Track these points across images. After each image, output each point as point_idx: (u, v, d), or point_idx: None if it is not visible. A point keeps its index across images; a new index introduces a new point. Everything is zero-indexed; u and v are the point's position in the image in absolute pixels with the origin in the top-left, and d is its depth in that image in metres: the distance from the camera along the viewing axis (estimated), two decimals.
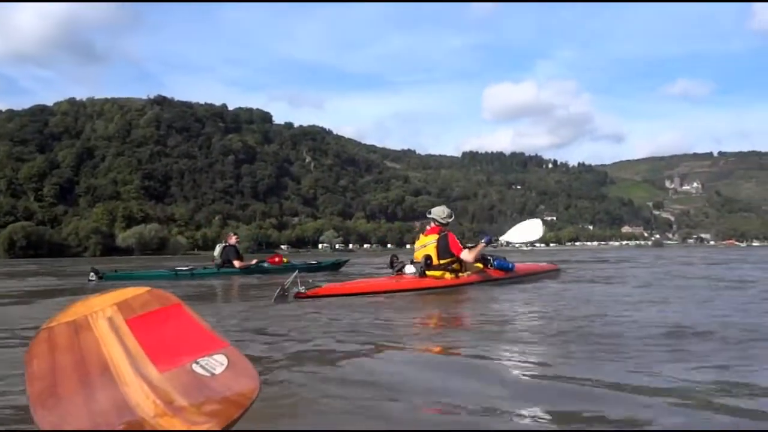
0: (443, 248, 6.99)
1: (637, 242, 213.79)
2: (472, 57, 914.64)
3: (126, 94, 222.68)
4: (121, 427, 1.01)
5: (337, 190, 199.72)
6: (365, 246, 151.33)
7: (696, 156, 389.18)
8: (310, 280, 6.41)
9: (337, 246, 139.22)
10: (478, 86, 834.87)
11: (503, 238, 8.53)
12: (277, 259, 12.73)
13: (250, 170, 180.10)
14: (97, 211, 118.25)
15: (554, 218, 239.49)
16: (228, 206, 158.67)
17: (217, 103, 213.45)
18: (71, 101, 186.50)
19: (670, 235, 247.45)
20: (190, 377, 1.13)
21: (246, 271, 11.77)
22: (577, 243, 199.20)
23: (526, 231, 8.51)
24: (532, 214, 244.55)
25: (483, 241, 7.30)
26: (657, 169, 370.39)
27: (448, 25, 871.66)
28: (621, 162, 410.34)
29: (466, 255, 6.99)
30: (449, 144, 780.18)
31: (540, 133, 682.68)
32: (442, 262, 6.96)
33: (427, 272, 6.91)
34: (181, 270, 11.44)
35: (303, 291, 5.90)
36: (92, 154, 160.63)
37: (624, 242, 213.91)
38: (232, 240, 12.31)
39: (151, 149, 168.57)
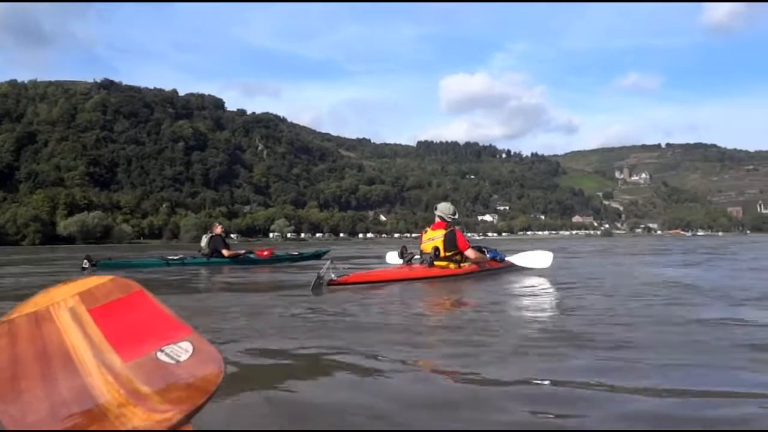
0: (450, 242, 7.80)
1: (587, 232, 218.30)
2: (428, 48, 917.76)
3: (75, 78, 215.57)
4: (83, 418, 0.99)
5: (290, 178, 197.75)
6: (317, 235, 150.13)
7: (645, 147, 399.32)
8: (340, 269, 7.16)
9: (288, 235, 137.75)
10: (434, 77, 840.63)
11: (509, 259, 9.00)
12: (266, 253, 12.99)
13: (201, 157, 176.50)
14: (37, 197, 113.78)
15: (507, 208, 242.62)
16: (177, 194, 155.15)
17: (168, 88, 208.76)
18: (12, 83, 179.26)
19: (619, 225, 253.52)
20: (155, 365, 1.13)
21: (234, 260, 12.10)
22: (529, 232, 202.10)
23: (537, 259, 8.94)
24: (485, 204, 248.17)
25: (489, 255, 8.44)
26: (607, 160, 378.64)
27: (404, 16, 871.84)
28: (573, 153, 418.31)
29: (470, 252, 7.93)
30: (406, 134, 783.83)
31: (494, 123, 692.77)
32: (447, 254, 7.78)
33: (435, 262, 7.75)
34: (172, 259, 11.78)
35: (335, 279, 6.56)
36: (34, 139, 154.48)
37: (574, 232, 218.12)
38: (219, 230, 12.60)
39: (97, 134, 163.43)
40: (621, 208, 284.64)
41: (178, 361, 1.11)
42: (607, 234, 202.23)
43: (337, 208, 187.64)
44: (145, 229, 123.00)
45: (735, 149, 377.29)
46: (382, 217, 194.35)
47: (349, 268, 8.75)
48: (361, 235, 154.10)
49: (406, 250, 8.46)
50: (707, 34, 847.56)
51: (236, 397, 2.07)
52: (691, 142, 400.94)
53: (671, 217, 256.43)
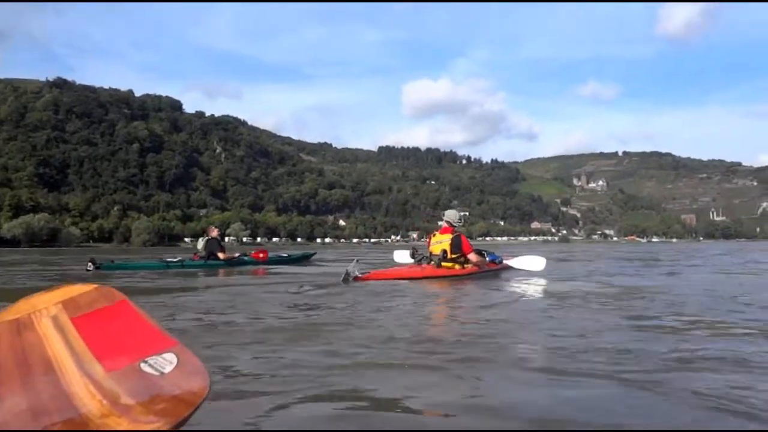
0: (456, 246, 8.78)
1: (545, 238, 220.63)
2: (392, 53, 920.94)
3: (27, 76, 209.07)
4: (64, 427, 0.98)
5: (249, 182, 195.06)
6: (274, 240, 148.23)
7: (602, 155, 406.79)
8: (363, 267, 8.39)
9: (244, 239, 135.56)
10: (397, 82, 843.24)
11: (507, 262, 10.03)
12: (261, 255, 13.57)
13: (156, 159, 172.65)
14: None
15: (467, 213, 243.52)
16: (131, 196, 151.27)
17: (124, 88, 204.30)
18: None
19: (576, 231, 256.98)
20: (139, 376, 1.11)
21: (229, 263, 12.67)
22: (488, 238, 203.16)
23: (531, 263, 9.99)
24: (445, 209, 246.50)
25: (489, 258, 9.54)
26: (566, 167, 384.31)
27: (367, 20, 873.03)
28: (532, 160, 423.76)
29: (473, 256, 8.92)
30: (368, 138, 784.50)
31: (456, 130, 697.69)
32: (453, 256, 8.77)
33: (442, 263, 8.73)
34: (172, 261, 12.22)
35: (360, 275, 7.71)
36: None
37: (532, 237, 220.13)
38: (214, 233, 13.09)
39: (48, 134, 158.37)
40: (578, 215, 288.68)
41: (162, 373, 1.10)
42: (564, 240, 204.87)
43: (296, 212, 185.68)
44: (94, 232, 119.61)
45: (689, 158, 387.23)
46: (342, 222, 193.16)
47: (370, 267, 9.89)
48: (319, 240, 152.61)
49: (417, 252, 9.72)
50: (663, 44, 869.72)
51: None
52: (647, 150, 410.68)
53: (627, 224, 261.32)
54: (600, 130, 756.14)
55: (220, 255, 12.55)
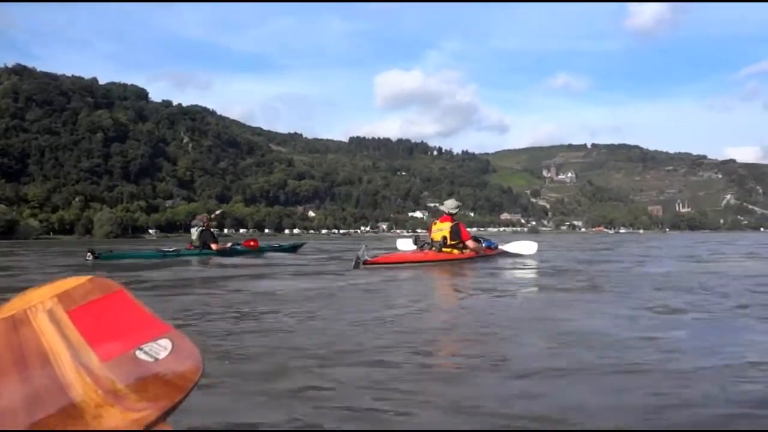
0: (455, 233, 9.68)
1: (514, 228, 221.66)
2: (363, 43, 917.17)
3: None
4: (60, 418, 0.98)
5: (217, 172, 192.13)
6: (241, 230, 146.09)
7: (571, 147, 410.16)
8: (372, 252, 9.30)
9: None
10: (369, 73, 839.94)
11: (502, 247, 11.08)
12: (252, 244, 14.37)
13: (121, 149, 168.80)
14: None
15: (437, 204, 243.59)
16: (94, 187, 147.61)
17: (87, 76, 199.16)
18: None
19: (546, 222, 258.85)
20: (134, 364, 1.11)
21: (221, 253, 13.04)
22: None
23: (524, 247, 11.28)
24: (415, 200, 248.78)
25: (485, 244, 10.53)
26: (536, 158, 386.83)
27: (337, 11, 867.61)
28: (503, 151, 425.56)
29: (470, 242, 9.82)
30: (340, 129, 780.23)
31: (428, 121, 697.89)
32: (452, 242, 9.67)
33: (443, 249, 9.63)
34: (168, 251, 12.83)
35: (369, 259, 8.48)
36: None
37: (502, 228, 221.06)
38: (204, 220, 13.52)
39: (7, 123, 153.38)
40: (548, 206, 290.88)
41: (156, 359, 1.11)
42: (534, 231, 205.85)
43: (265, 203, 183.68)
44: (55, 224, 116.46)
45: (656, 150, 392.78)
46: (311, 213, 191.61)
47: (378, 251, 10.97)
48: (287, 231, 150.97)
49: (419, 239, 10.74)
50: (633, 38, 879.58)
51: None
52: (616, 142, 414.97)
53: (595, 215, 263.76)
54: (570, 123, 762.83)
55: (213, 246, 13.05)
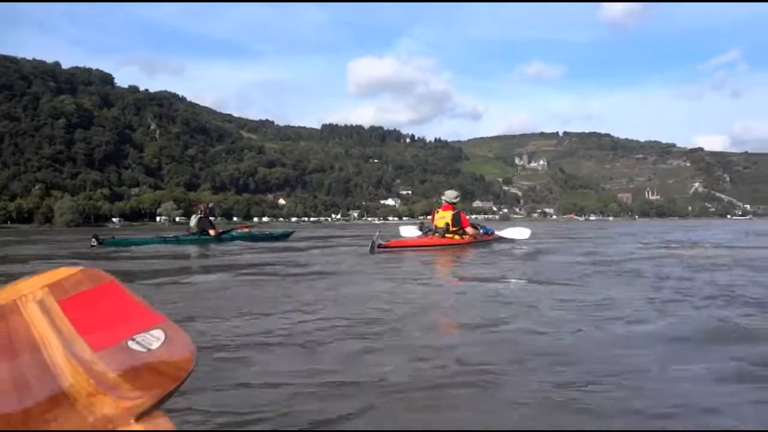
0: (456, 220, 10.78)
1: (486, 216, 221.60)
2: (337, 30, 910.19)
3: None
4: (51, 407, 0.97)
5: (185, 159, 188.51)
6: (210, 218, 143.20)
7: (544, 135, 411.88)
8: (386, 236, 10.39)
9: (177, 219, 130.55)
10: (343, 60, 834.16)
11: (498, 233, 12.24)
12: (246, 228, 15.61)
13: (85, 136, 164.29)
14: None
15: (409, 192, 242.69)
16: (57, 174, 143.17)
17: (50, 60, 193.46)
18: None
19: (517, 210, 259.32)
20: (126, 354, 1.11)
21: (219, 238, 13.85)
22: (429, 216, 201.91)
23: (518, 233, 12.40)
24: (387, 188, 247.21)
25: (482, 230, 11.86)
26: (508, 146, 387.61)
27: None
28: (476, 139, 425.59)
29: (469, 229, 10.98)
30: (313, 117, 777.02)
31: (402, 108, 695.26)
32: (454, 229, 10.77)
33: (446, 234, 10.74)
34: (168, 237, 13.64)
35: (383, 243, 9.32)
36: None
37: (474, 216, 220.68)
38: (202, 208, 14.47)
39: None
40: (520, 194, 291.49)
41: (149, 349, 1.10)
42: (505, 218, 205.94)
43: (234, 191, 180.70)
44: (12, 212, 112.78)
45: (627, 139, 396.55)
46: (282, 201, 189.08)
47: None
48: (255, 219, 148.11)
49: (424, 226, 11.87)
50: (605, 29, 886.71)
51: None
52: (587, 131, 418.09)
53: (566, 203, 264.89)
54: (543, 111, 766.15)
55: (211, 232, 13.87)
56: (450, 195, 11.32)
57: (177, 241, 13.30)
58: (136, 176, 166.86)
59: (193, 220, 14.22)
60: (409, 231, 12.64)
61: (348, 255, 9.58)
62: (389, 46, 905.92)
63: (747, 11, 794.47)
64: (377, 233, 9.59)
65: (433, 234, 10.88)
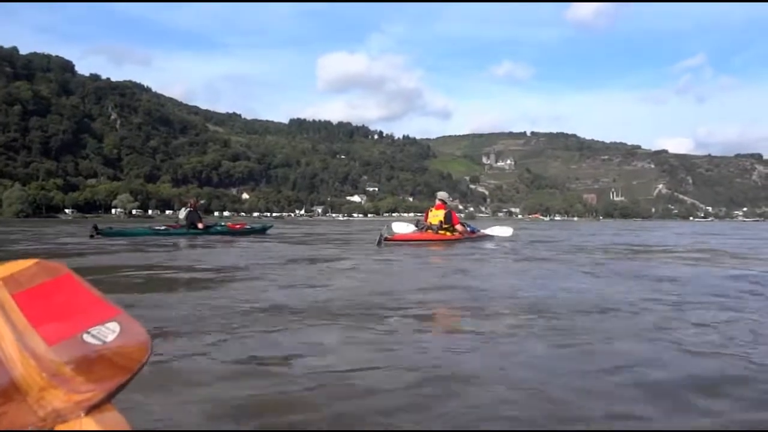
0: (447, 219, 11.96)
1: None
2: (307, 23, 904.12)
3: None
4: (1, 404, 0.96)
5: (146, 151, 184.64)
6: (167, 212, 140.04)
7: (512, 135, 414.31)
8: (392, 231, 12.32)
9: (133, 212, 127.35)
10: (313, 54, 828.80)
11: (483, 231, 14.24)
12: (238, 226, 16.35)
13: (41, 123, 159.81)
14: None
15: (376, 189, 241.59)
16: (10, 162, 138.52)
17: (6, 45, 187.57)
18: None
19: (483, 208, 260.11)
20: (81, 347, 1.09)
21: (207, 231, 14.75)
22: (395, 214, 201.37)
23: (502, 231, 14.80)
24: (354, 185, 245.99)
25: (470, 228, 13.18)
26: (476, 145, 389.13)
27: None
28: (444, 137, 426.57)
29: (459, 227, 12.14)
30: (282, 111, 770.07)
31: (372, 105, 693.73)
32: (445, 226, 11.91)
33: (439, 231, 11.84)
34: (159, 229, 14.63)
35: (389, 237, 10.88)
36: None
37: None
38: (192, 203, 15.40)
39: None
40: (486, 193, 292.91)
41: (104, 342, 1.09)
42: (470, 217, 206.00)
43: (197, 184, 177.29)
44: None
45: (593, 140, 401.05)
46: (245, 195, 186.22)
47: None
48: (216, 214, 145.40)
49: (420, 223, 12.67)
50: (573, 29, 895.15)
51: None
52: (554, 131, 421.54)
53: (532, 202, 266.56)
54: (512, 110, 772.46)
55: (199, 225, 14.72)
56: (443, 195, 12.74)
57: (167, 233, 14.23)
58: (94, 167, 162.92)
59: (182, 214, 15.02)
60: (401, 227, 13.47)
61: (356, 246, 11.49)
62: (360, 42, 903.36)
63: (715, 12, 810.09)
64: (384, 227, 11.28)
65: (428, 230, 11.96)
